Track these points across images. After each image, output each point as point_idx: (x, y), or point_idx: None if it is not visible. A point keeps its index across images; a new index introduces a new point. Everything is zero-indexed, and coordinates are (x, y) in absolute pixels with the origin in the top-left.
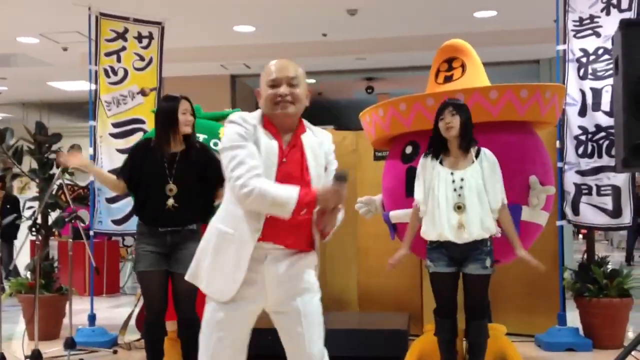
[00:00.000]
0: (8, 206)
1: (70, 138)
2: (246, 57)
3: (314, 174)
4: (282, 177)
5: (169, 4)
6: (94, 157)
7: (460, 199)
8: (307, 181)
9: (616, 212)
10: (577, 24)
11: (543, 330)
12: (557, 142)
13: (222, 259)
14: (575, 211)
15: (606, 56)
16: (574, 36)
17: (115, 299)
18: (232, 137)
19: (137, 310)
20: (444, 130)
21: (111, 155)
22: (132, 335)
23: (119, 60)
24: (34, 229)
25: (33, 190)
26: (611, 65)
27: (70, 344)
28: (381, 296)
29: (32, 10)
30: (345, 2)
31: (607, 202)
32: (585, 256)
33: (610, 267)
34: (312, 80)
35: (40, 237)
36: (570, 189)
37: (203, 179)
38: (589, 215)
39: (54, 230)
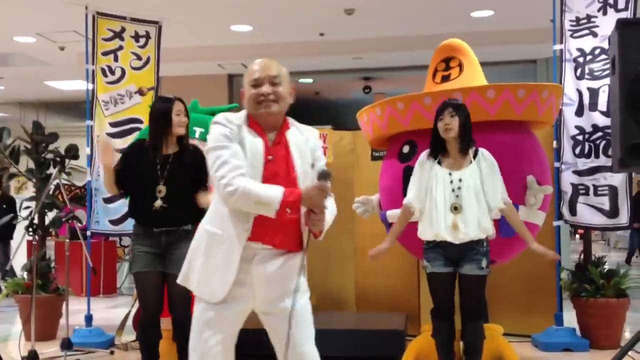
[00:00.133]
0: (4, 206)
1: (67, 138)
2: (243, 56)
3: (300, 170)
4: (269, 175)
5: (166, 4)
6: (90, 157)
7: (458, 199)
8: (293, 178)
9: (613, 212)
10: (574, 23)
11: (540, 330)
12: (554, 142)
13: (212, 260)
14: (572, 211)
15: (603, 56)
16: (571, 36)
17: (112, 299)
18: (216, 138)
19: (134, 310)
20: (443, 131)
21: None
22: (129, 335)
23: (116, 59)
24: (30, 229)
25: (30, 190)
26: (608, 65)
27: (67, 345)
28: (378, 296)
29: (29, 10)
30: (342, 1)
31: (604, 202)
32: (582, 256)
33: (607, 267)
34: (310, 80)
35: (37, 237)
36: (567, 189)
37: (196, 180)
38: (586, 215)
39: (50, 230)
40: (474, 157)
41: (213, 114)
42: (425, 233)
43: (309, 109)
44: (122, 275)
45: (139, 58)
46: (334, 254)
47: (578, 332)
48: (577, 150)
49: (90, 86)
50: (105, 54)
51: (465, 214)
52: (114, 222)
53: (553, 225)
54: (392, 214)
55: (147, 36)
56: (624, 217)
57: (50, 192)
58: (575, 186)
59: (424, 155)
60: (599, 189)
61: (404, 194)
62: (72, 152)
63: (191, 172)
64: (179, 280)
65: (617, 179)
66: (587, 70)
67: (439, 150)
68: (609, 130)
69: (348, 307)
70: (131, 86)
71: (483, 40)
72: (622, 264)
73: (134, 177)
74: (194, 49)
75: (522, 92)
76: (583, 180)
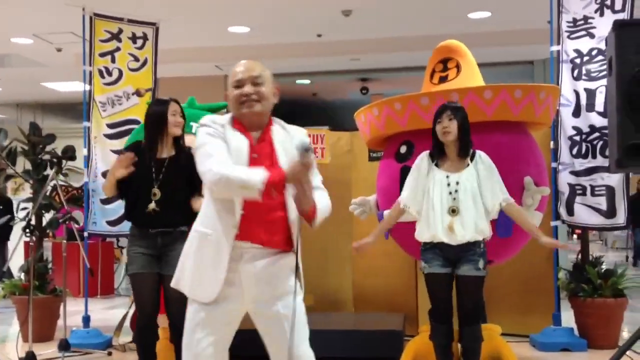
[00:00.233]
0: (1, 207)
1: (64, 139)
2: (241, 58)
3: (286, 167)
4: None
5: (163, 5)
6: (88, 158)
7: (455, 202)
8: None
9: (610, 213)
10: (571, 24)
11: (538, 330)
12: (552, 142)
13: (203, 260)
14: (570, 211)
15: (600, 57)
16: (568, 37)
17: (110, 300)
18: (201, 138)
19: (131, 311)
20: (441, 134)
21: (105, 156)
22: (127, 336)
23: (113, 60)
24: (27, 231)
25: (27, 191)
26: (605, 66)
27: (64, 346)
28: (376, 297)
29: (26, 11)
30: (340, 2)
31: (601, 203)
32: (579, 256)
33: (604, 267)
34: (307, 81)
35: (34, 239)
36: (564, 189)
37: (192, 182)
38: (583, 215)
39: (48, 231)
40: (471, 159)
41: (210, 110)
42: (423, 235)
43: (307, 110)
44: (119, 276)
45: (136, 59)
46: (331, 254)
47: (576, 332)
48: (575, 151)
49: (88, 87)
50: (102, 55)
51: (462, 217)
52: (111, 223)
53: (550, 226)
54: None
55: (145, 37)
56: (621, 217)
57: (48, 194)
58: (572, 186)
59: (422, 156)
60: (596, 189)
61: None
62: (69, 153)
63: (187, 174)
64: (172, 285)
65: (614, 179)
66: (584, 71)
67: (438, 153)
68: (606, 131)
69: (346, 308)
70: (128, 87)
71: (480, 41)
72: (619, 263)
73: (130, 179)
74: (191, 50)
75: (520, 92)
76: (580, 180)
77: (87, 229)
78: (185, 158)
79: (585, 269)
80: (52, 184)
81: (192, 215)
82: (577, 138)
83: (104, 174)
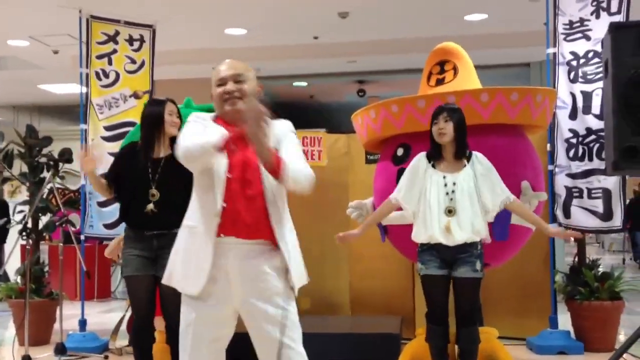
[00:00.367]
0: None
1: (61, 141)
2: (238, 60)
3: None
4: (234, 163)
5: (161, 7)
6: None
7: (452, 202)
8: (255, 165)
9: (607, 215)
10: (567, 27)
11: (535, 333)
12: (548, 145)
13: (190, 252)
14: (566, 214)
15: (596, 59)
16: (564, 39)
17: (107, 303)
18: (184, 132)
19: (128, 315)
20: (437, 135)
21: (103, 159)
22: (123, 340)
23: (110, 63)
24: (24, 233)
25: (23, 194)
26: (601, 69)
27: (60, 350)
28: (373, 300)
29: (23, 13)
30: (336, 5)
31: (598, 205)
32: (576, 259)
33: (601, 270)
34: (304, 83)
35: (30, 242)
36: (561, 192)
37: (189, 183)
38: (580, 218)
39: (44, 234)
40: (468, 160)
41: (207, 111)
42: (419, 236)
43: (304, 112)
44: (116, 280)
45: (134, 62)
46: (328, 257)
47: (573, 335)
48: (571, 153)
49: (84, 90)
50: (99, 57)
51: (459, 217)
52: (108, 226)
53: None
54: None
55: (142, 40)
56: (617, 220)
57: (44, 196)
58: (569, 189)
59: (419, 157)
60: (593, 191)
61: None
62: (66, 155)
63: (183, 174)
64: (163, 281)
65: (611, 181)
66: (580, 74)
67: (435, 154)
68: (603, 133)
69: (343, 311)
70: (126, 89)
71: (477, 43)
72: (616, 266)
73: (125, 180)
74: (188, 52)
75: (516, 95)
76: (577, 183)
77: (83, 231)
78: None
79: (582, 271)
80: (48, 186)
81: None
82: (574, 140)
83: (101, 177)
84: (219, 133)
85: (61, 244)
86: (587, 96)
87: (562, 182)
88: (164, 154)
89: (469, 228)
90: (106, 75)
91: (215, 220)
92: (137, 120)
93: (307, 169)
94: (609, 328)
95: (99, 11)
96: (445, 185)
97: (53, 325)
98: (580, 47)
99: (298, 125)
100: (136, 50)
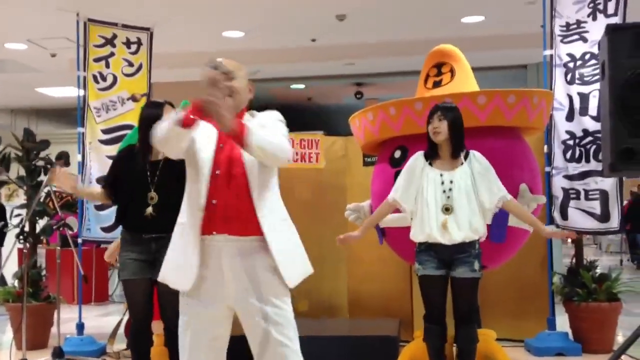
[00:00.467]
0: None
1: (58, 145)
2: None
3: (247, 156)
4: (221, 160)
5: (158, 10)
6: (82, 164)
7: (449, 200)
8: (242, 162)
9: (604, 217)
10: (564, 29)
11: (532, 335)
12: (545, 146)
13: (180, 247)
14: (564, 216)
15: (593, 61)
16: (561, 41)
17: (104, 307)
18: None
19: (125, 318)
20: (432, 134)
21: (101, 162)
22: (121, 344)
23: (107, 66)
24: (21, 237)
25: (21, 197)
26: (598, 70)
27: (58, 353)
28: (371, 302)
29: (20, 17)
30: (334, 7)
31: (595, 207)
32: (574, 260)
33: (599, 271)
34: (302, 86)
35: (27, 245)
36: (558, 193)
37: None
38: (578, 219)
39: (41, 238)
40: (465, 158)
41: None
42: (417, 235)
43: (301, 115)
44: (113, 283)
45: (131, 65)
46: (326, 260)
47: (570, 337)
48: (568, 155)
49: (82, 93)
50: (96, 60)
51: (457, 215)
52: (106, 230)
53: None
54: (384, 219)
55: (139, 43)
56: (615, 221)
57: (41, 200)
58: (566, 191)
59: (416, 156)
60: (590, 193)
61: None
62: (63, 159)
63: (181, 177)
64: (159, 279)
65: (608, 183)
66: (577, 75)
67: (432, 154)
68: (600, 135)
69: (341, 314)
70: (123, 92)
71: (473, 45)
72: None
73: (123, 183)
74: (185, 55)
75: (513, 98)
76: (574, 184)
77: (81, 235)
78: (180, 161)
79: (579, 273)
80: (46, 190)
81: None
82: (571, 142)
83: (99, 180)
84: (180, 112)
85: (58, 248)
86: (584, 98)
87: (559, 183)
88: (161, 157)
89: (466, 226)
90: (104, 79)
91: (199, 214)
92: (135, 123)
93: (279, 140)
94: (606, 329)
95: (97, 14)
96: (442, 183)
97: (50, 329)
98: (577, 48)
99: (296, 127)
100: (133, 53)
